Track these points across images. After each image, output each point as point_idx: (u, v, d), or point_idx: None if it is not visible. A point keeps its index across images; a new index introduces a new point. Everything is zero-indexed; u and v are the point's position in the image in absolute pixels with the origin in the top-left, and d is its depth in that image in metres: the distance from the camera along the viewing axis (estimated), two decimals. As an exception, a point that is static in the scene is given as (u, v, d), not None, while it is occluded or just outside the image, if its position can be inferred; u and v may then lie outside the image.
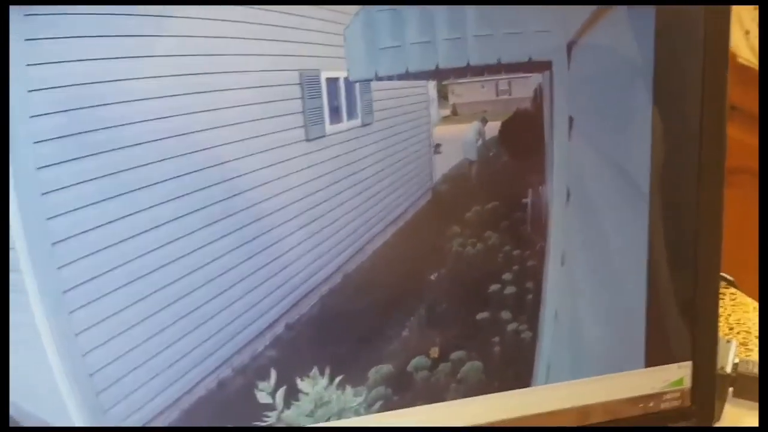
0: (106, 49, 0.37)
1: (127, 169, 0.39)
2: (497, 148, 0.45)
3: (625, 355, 0.49)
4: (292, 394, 0.44)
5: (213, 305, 0.42)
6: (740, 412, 0.55)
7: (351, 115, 0.43)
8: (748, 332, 0.68)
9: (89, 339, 0.40)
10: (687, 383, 0.50)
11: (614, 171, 0.46)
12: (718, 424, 0.53)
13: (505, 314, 0.47)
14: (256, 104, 0.41)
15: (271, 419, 0.44)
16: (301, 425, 0.45)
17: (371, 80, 0.42)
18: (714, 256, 0.48)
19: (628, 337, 0.49)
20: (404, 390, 0.46)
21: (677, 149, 0.46)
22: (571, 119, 0.45)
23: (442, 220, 0.45)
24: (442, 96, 0.44)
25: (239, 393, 0.43)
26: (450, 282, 0.46)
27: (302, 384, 0.44)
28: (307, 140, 0.43)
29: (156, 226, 0.40)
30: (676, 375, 0.49)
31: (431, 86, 0.43)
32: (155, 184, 0.40)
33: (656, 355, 0.49)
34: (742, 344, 0.66)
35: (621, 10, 0.44)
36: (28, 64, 0.36)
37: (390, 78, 0.42)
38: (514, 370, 0.48)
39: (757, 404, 0.53)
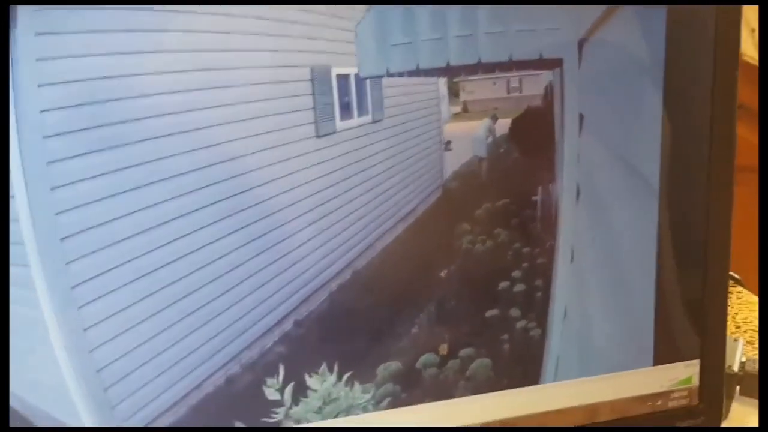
0: (116, 44, 0.37)
1: (136, 165, 0.39)
2: (508, 145, 0.44)
3: (633, 353, 0.49)
4: (301, 391, 0.44)
5: (221, 301, 0.42)
6: (747, 410, 0.55)
7: (361, 111, 0.43)
8: (754, 331, 0.68)
9: (98, 334, 0.40)
10: (695, 382, 0.50)
11: (624, 169, 0.46)
12: (725, 423, 0.53)
13: (514, 312, 0.47)
14: (266, 100, 0.41)
15: (279, 416, 0.44)
16: (310, 422, 0.45)
17: (382, 77, 0.42)
18: (723, 255, 0.48)
19: (637, 335, 0.49)
20: (413, 387, 0.46)
21: (687, 147, 0.46)
22: (581, 117, 0.45)
23: (452, 217, 0.45)
24: (453, 93, 0.43)
25: (247, 389, 0.43)
26: (459, 279, 0.46)
27: (311, 380, 0.44)
28: (318, 137, 0.43)
29: (165, 222, 0.40)
30: (684, 373, 0.49)
31: (442, 83, 0.43)
32: (165, 179, 0.40)
33: (664, 353, 0.49)
34: (749, 343, 0.66)
35: (632, 8, 0.44)
36: (38, 59, 0.36)
37: (401, 74, 0.42)
38: (523, 368, 0.47)
39: (764, 402, 0.53)
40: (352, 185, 0.43)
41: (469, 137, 0.45)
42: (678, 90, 0.45)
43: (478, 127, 0.44)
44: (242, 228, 0.42)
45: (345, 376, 0.45)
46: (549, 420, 0.48)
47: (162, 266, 0.40)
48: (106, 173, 0.38)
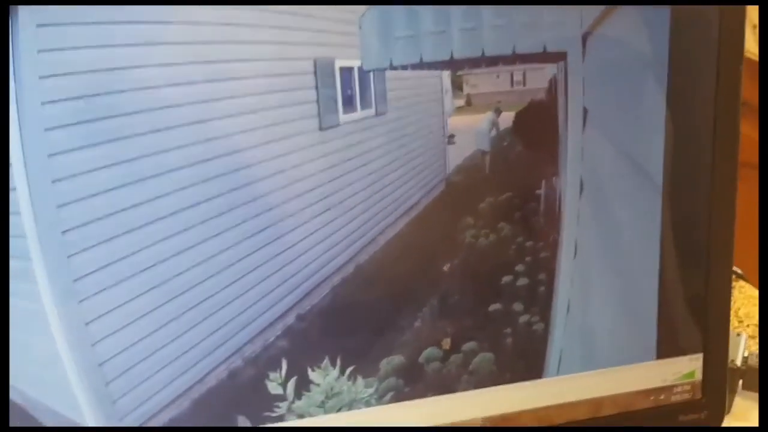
0: (118, 36, 0.37)
1: (138, 157, 0.39)
2: (511, 139, 0.44)
3: (636, 347, 0.49)
4: (303, 385, 0.44)
5: (224, 295, 0.42)
6: (750, 404, 0.55)
7: (365, 104, 0.43)
8: (756, 325, 0.68)
9: (100, 328, 0.40)
10: (698, 376, 0.50)
11: (628, 163, 0.46)
12: (728, 417, 0.53)
13: (518, 306, 0.47)
14: (268, 93, 0.41)
15: (281, 410, 0.44)
16: (312, 416, 0.44)
17: (385, 69, 0.42)
18: (726, 250, 0.48)
19: (640, 330, 0.49)
20: (416, 381, 0.46)
21: (691, 143, 0.46)
22: (585, 111, 0.45)
23: (455, 210, 0.45)
24: (457, 86, 0.43)
25: (250, 383, 0.43)
26: (462, 273, 0.46)
27: (313, 374, 0.44)
28: (321, 129, 0.42)
29: (168, 215, 0.40)
30: (688, 367, 0.49)
31: (445, 76, 0.43)
32: (167, 172, 0.39)
33: (668, 347, 0.49)
34: (752, 337, 0.66)
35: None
36: (40, 51, 0.36)
37: (404, 67, 0.42)
38: (526, 362, 0.47)
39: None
40: (354, 178, 0.43)
41: (472, 131, 0.44)
42: (682, 85, 0.45)
43: (481, 120, 0.44)
44: (244, 221, 0.42)
45: (348, 370, 0.45)
46: (552, 414, 0.48)
47: (165, 259, 0.40)
48: (108, 166, 0.38)
